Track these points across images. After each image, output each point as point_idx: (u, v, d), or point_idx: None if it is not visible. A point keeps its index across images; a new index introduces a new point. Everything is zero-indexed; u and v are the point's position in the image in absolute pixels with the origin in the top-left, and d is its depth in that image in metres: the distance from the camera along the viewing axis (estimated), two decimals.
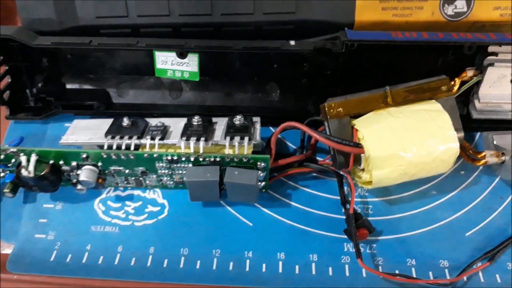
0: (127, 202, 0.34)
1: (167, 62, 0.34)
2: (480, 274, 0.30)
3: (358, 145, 0.30)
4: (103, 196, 0.34)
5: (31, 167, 0.30)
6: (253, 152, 0.32)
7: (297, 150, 0.36)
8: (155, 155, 0.30)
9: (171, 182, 0.33)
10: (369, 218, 0.33)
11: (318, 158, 0.36)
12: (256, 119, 0.33)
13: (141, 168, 0.31)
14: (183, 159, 0.30)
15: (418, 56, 0.35)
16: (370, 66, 0.35)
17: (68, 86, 0.37)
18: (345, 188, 0.33)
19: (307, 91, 0.36)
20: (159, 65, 0.34)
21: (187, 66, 0.34)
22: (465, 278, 0.30)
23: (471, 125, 0.36)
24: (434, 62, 0.35)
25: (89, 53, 0.35)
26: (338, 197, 0.33)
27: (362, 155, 0.30)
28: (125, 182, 0.33)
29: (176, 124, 0.32)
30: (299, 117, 0.34)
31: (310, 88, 0.36)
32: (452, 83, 0.34)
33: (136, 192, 0.34)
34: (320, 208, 0.33)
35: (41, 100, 0.36)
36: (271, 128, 0.37)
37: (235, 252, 0.31)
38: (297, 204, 0.34)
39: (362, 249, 0.31)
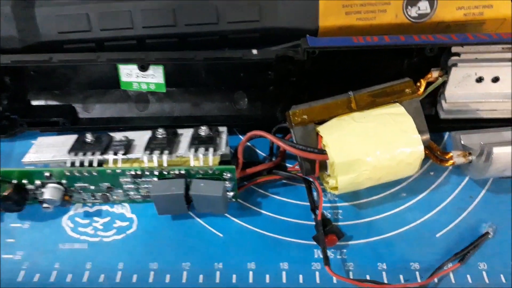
0: (95, 218, 0.33)
1: (132, 75, 0.34)
2: (451, 275, 0.30)
3: (323, 152, 0.30)
4: (71, 212, 0.34)
5: None
6: (223, 162, 0.31)
7: (266, 158, 0.36)
8: (118, 171, 0.30)
9: (139, 196, 0.32)
10: (339, 223, 0.33)
11: (288, 165, 0.36)
12: (223, 129, 0.33)
13: (106, 184, 0.31)
14: (147, 173, 0.30)
15: (383, 60, 0.35)
16: (336, 72, 0.35)
17: (34, 103, 0.37)
18: (315, 194, 0.33)
19: (275, 99, 0.36)
20: (124, 78, 0.34)
21: (152, 78, 0.34)
22: (435, 280, 0.30)
23: (440, 126, 0.36)
24: (399, 65, 0.35)
25: (53, 69, 0.34)
26: (308, 203, 0.33)
27: (327, 161, 0.30)
28: (92, 198, 0.33)
29: (141, 138, 0.32)
30: (268, 124, 0.34)
31: (278, 96, 0.36)
32: (418, 84, 0.34)
33: (105, 207, 0.34)
34: (290, 215, 0.33)
35: (5, 118, 0.35)
36: (240, 136, 0.37)
37: (205, 264, 0.31)
38: (267, 212, 0.34)
39: (332, 255, 0.31)
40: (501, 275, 0.30)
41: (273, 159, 0.35)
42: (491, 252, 0.31)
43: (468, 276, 0.30)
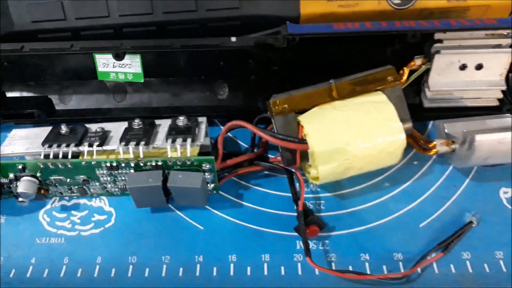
0: (73, 212, 0.33)
1: (109, 65, 0.33)
2: (434, 265, 0.30)
3: (303, 141, 0.29)
4: (48, 206, 0.33)
5: None
6: (203, 153, 0.31)
7: (248, 149, 0.35)
8: (93, 163, 0.29)
9: (116, 189, 0.32)
10: (322, 214, 0.32)
11: (270, 156, 0.35)
12: (202, 119, 0.32)
13: (82, 176, 0.30)
14: (123, 165, 0.29)
15: (365, 47, 0.34)
16: (318, 61, 0.34)
17: (8, 94, 0.36)
18: (297, 184, 0.33)
19: (256, 88, 0.35)
20: (100, 68, 0.33)
21: (129, 68, 0.33)
22: (419, 270, 0.30)
23: (424, 114, 0.35)
24: (383, 53, 0.35)
25: (26, 59, 0.33)
26: (290, 194, 0.33)
27: (308, 150, 0.29)
28: (69, 192, 0.32)
29: (118, 129, 0.31)
30: (250, 115, 0.33)
31: (259, 85, 0.35)
32: (401, 72, 0.33)
33: (82, 201, 0.33)
34: (272, 207, 0.33)
35: None
36: (221, 127, 0.37)
37: (185, 257, 0.30)
38: (249, 204, 0.33)
39: (314, 246, 0.31)
40: (485, 264, 0.30)
41: (255, 150, 0.35)
42: (475, 241, 0.31)
43: (452, 265, 0.30)
